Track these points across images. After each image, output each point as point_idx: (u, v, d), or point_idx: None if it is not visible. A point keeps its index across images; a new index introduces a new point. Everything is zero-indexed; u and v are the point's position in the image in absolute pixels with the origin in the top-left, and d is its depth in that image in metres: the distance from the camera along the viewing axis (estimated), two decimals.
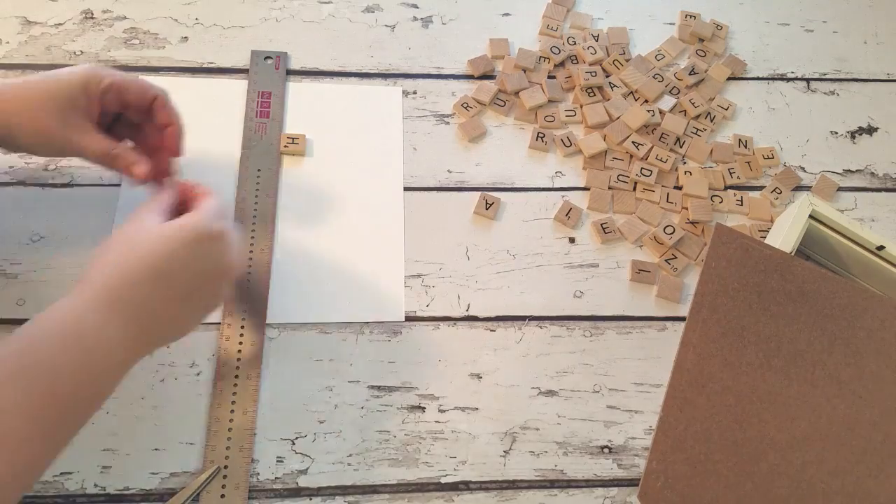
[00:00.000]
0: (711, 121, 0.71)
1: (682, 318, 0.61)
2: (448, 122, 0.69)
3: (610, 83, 0.72)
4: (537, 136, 0.68)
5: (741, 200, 0.67)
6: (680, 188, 0.67)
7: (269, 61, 0.69)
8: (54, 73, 0.51)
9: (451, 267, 0.62)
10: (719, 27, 0.77)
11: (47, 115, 0.50)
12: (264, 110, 0.66)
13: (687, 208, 0.66)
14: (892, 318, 0.56)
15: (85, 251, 0.59)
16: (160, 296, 0.45)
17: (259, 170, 0.64)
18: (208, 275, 0.47)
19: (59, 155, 0.59)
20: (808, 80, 0.75)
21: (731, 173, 0.68)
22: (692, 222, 0.66)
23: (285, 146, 0.65)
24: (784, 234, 0.59)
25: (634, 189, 0.67)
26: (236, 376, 0.55)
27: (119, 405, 0.54)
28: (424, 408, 0.56)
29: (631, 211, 0.66)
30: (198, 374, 0.56)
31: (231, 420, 0.54)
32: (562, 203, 0.65)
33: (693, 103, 0.71)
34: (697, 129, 0.70)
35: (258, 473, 0.53)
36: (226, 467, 0.52)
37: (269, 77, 0.68)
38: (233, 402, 0.54)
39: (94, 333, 0.42)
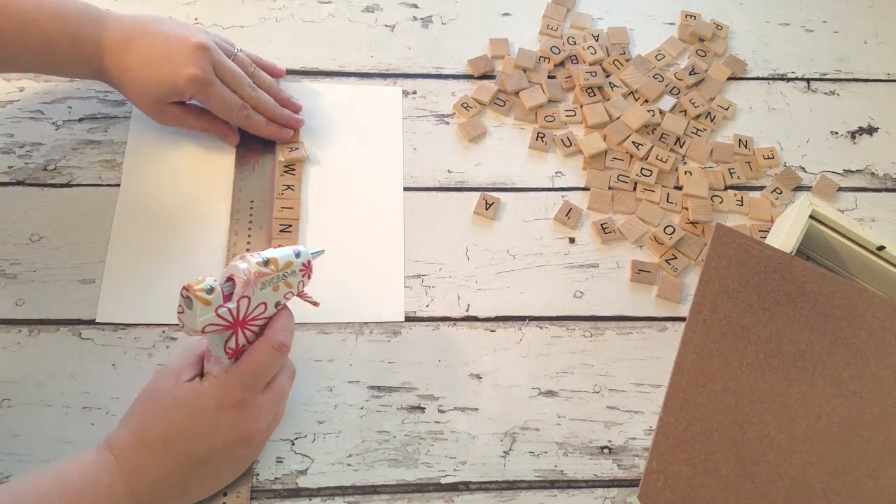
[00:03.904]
0: (711, 121, 0.71)
1: (682, 319, 0.61)
2: (448, 122, 0.69)
3: (610, 83, 0.72)
4: (537, 136, 0.68)
5: (741, 200, 0.67)
6: (680, 188, 0.67)
7: None
8: (166, 70, 0.59)
9: (451, 267, 0.62)
10: (719, 27, 0.77)
11: (152, 101, 0.61)
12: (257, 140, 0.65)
13: (687, 208, 0.66)
14: (892, 318, 0.56)
15: (85, 251, 0.59)
16: (173, 466, 0.46)
17: (252, 201, 0.62)
18: (226, 445, 0.47)
19: (162, 121, 0.63)
20: (808, 80, 0.75)
21: (731, 173, 0.68)
22: (692, 222, 0.66)
23: (288, 151, 0.65)
24: (784, 234, 0.59)
25: (634, 189, 0.67)
26: None
27: (119, 406, 0.54)
28: (424, 408, 0.56)
29: (631, 211, 0.66)
30: None
31: None
32: (562, 203, 0.65)
33: (693, 103, 0.71)
34: (697, 129, 0.70)
35: (258, 474, 0.53)
36: None
37: None
38: None
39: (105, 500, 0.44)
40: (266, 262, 0.47)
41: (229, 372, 0.47)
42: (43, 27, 0.56)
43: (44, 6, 0.56)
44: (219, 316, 0.45)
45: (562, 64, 0.73)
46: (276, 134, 0.64)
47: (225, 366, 0.47)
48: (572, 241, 0.64)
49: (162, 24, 0.60)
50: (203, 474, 0.47)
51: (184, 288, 0.45)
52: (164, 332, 0.57)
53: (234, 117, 0.62)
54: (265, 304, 0.47)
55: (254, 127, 0.63)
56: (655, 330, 0.61)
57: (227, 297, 0.46)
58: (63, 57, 0.58)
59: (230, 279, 0.46)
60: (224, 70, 0.60)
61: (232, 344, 0.47)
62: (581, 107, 0.70)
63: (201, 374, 0.48)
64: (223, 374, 0.47)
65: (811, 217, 0.60)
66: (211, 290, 0.44)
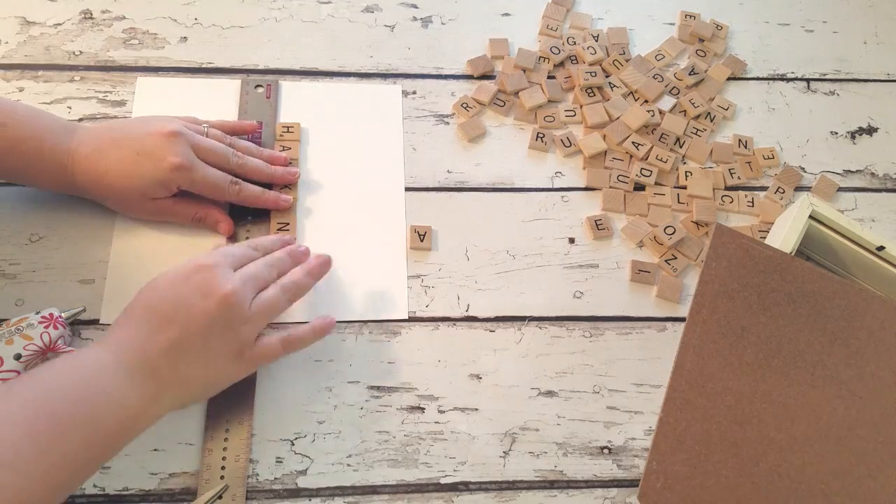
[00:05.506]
0: (711, 121, 0.71)
1: (682, 319, 0.61)
2: (448, 123, 0.69)
3: (610, 83, 0.72)
4: (537, 137, 0.68)
5: (752, 202, 0.67)
6: (682, 188, 0.67)
7: (260, 90, 0.68)
8: (146, 166, 0.56)
9: (450, 267, 0.62)
10: (719, 27, 0.77)
11: (138, 199, 0.58)
12: (255, 140, 0.65)
13: (690, 209, 0.66)
14: (892, 319, 0.56)
15: (85, 251, 0.59)
16: (154, 328, 0.48)
17: None
18: (196, 295, 0.49)
19: (151, 219, 0.61)
20: (808, 81, 0.75)
21: (731, 174, 0.68)
22: (696, 222, 0.66)
23: (280, 135, 0.65)
24: (784, 235, 0.59)
25: (643, 190, 0.67)
26: None
27: None
28: (424, 408, 0.56)
29: (644, 213, 0.66)
30: None
31: (228, 419, 0.54)
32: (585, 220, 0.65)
33: (693, 103, 0.71)
34: (697, 130, 0.70)
35: (257, 474, 0.53)
36: (223, 468, 0.52)
37: (260, 106, 0.67)
38: (231, 403, 0.54)
39: (108, 388, 0.45)
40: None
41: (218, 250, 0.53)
42: (12, 133, 0.54)
43: (17, 113, 0.55)
44: None
45: (562, 64, 0.73)
46: (275, 203, 0.61)
47: None
48: (572, 241, 0.64)
49: (127, 125, 0.59)
50: (187, 346, 0.48)
51: None
52: None
53: (226, 194, 0.59)
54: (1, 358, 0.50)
55: (249, 199, 0.60)
56: (655, 330, 0.61)
57: None
58: (30, 166, 0.56)
59: None
60: (203, 149, 0.58)
61: None
62: (581, 107, 0.70)
63: None
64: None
65: (811, 217, 0.60)
66: None
